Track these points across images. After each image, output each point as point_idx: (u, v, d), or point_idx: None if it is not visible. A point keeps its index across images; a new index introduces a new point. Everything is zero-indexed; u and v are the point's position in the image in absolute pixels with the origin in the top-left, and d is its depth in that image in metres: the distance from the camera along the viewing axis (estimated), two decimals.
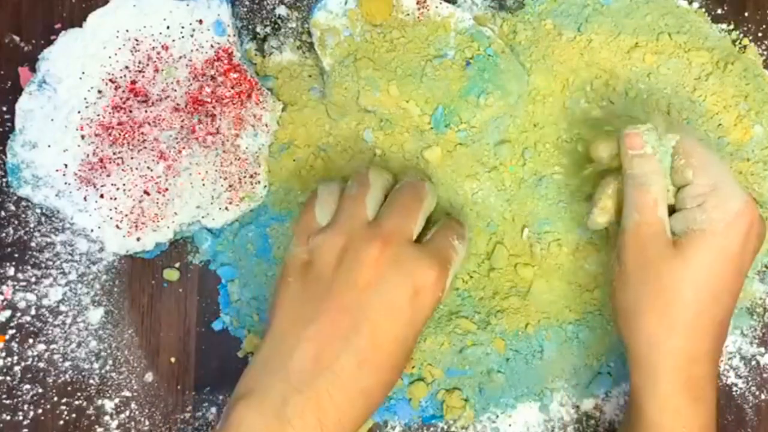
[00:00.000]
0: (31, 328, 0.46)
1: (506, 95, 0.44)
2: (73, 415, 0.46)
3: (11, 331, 0.46)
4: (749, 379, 0.47)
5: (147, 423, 0.46)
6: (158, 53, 0.44)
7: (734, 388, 0.47)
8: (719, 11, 0.48)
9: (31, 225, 0.46)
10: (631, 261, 0.39)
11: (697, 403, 0.38)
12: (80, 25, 0.44)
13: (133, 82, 0.44)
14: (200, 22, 0.44)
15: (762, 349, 0.47)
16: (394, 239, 0.37)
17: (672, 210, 0.40)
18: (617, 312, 0.40)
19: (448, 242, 0.39)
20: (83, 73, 0.44)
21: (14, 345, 0.46)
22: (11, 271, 0.46)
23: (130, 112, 0.44)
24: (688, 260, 0.38)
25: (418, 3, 0.45)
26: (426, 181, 0.41)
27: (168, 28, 0.44)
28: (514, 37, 0.47)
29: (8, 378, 0.46)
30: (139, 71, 0.44)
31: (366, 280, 0.36)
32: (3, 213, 0.46)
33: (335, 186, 0.41)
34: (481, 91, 0.44)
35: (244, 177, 0.45)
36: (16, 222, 0.46)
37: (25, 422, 0.45)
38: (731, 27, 0.48)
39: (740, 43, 0.48)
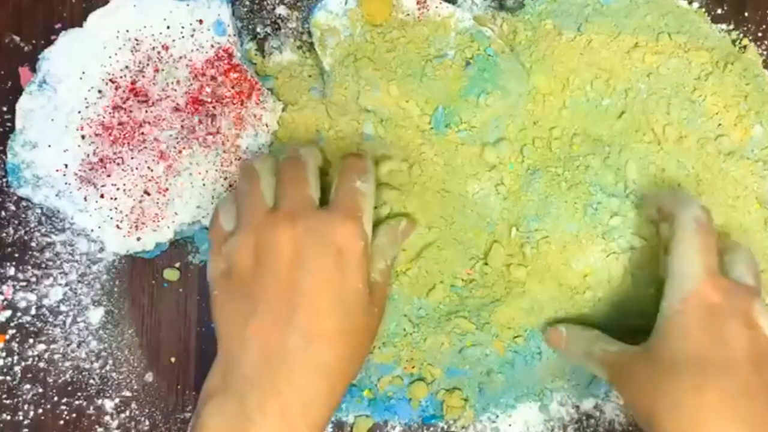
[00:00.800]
0: (32, 328, 0.46)
1: (506, 95, 0.44)
2: (73, 415, 0.46)
3: (11, 331, 0.46)
4: None
5: (147, 423, 0.46)
6: (158, 53, 0.44)
7: None
8: (719, 11, 0.48)
9: (32, 225, 0.46)
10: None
11: None
12: (80, 25, 0.44)
13: (134, 82, 0.44)
14: (200, 22, 0.44)
15: None
16: (297, 212, 0.37)
17: None
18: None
19: (350, 188, 0.39)
20: (83, 73, 0.44)
21: (14, 345, 0.46)
22: (11, 271, 0.46)
23: (131, 112, 0.44)
24: (657, 350, 0.38)
25: (418, 3, 0.45)
26: (300, 146, 0.41)
27: (168, 28, 0.44)
28: (514, 37, 0.47)
29: (8, 378, 0.46)
30: (140, 71, 0.44)
31: (286, 262, 0.36)
32: (3, 213, 0.46)
33: (231, 193, 0.41)
34: (481, 91, 0.44)
35: None
36: (16, 222, 0.46)
37: (25, 422, 0.45)
38: (731, 27, 0.48)
39: (740, 43, 0.48)
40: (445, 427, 0.47)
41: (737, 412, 0.34)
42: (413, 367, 0.46)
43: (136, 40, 0.44)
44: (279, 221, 0.37)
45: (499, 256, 0.46)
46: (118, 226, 0.44)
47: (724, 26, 0.48)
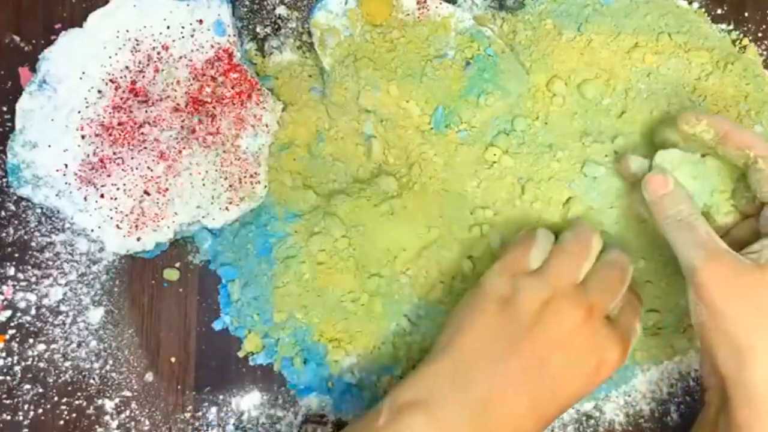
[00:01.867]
0: (32, 328, 0.46)
1: (506, 95, 0.44)
2: (73, 415, 0.46)
3: (11, 331, 0.46)
4: None
5: (147, 423, 0.46)
6: (158, 53, 0.44)
7: None
8: (719, 11, 0.48)
9: (32, 225, 0.46)
10: (718, 298, 0.37)
11: None
12: (80, 25, 0.44)
13: (134, 82, 0.44)
14: (200, 22, 0.44)
15: None
16: (596, 312, 0.38)
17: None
18: (714, 354, 0.38)
19: (632, 324, 0.41)
20: (83, 73, 0.44)
21: (14, 345, 0.46)
22: (11, 271, 0.46)
23: (131, 112, 0.44)
24: None
25: (418, 3, 0.45)
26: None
27: (168, 28, 0.44)
28: (514, 37, 0.47)
29: (8, 378, 0.46)
30: (140, 71, 0.44)
31: (561, 340, 0.37)
32: (3, 213, 0.46)
33: (553, 237, 0.42)
34: (481, 91, 0.44)
35: (244, 177, 0.45)
36: (16, 222, 0.46)
37: (25, 422, 0.45)
38: (731, 27, 0.48)
39: (740, 43, 0.48)
40: None
41: None
42: (413, 367, 0.46)
43: (136, 40, 0.44)
44: (579, 305, 0.38)
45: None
46: (118, 226, 0.44)
47: (724, 26, 0.48)
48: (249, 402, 0.46)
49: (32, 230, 0.46)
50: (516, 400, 0.37)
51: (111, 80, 0.44)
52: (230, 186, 0.45)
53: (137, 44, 0.44)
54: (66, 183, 0.44)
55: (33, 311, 0.46)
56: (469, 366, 0.37)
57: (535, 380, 0.37)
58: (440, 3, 0.45)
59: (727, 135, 0.40)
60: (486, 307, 0.38)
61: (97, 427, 0.46)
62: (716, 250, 0.38)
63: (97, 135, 0.44)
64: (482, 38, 0.45)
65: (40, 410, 0.46)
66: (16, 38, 0.47)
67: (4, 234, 0.46)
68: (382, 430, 0.36)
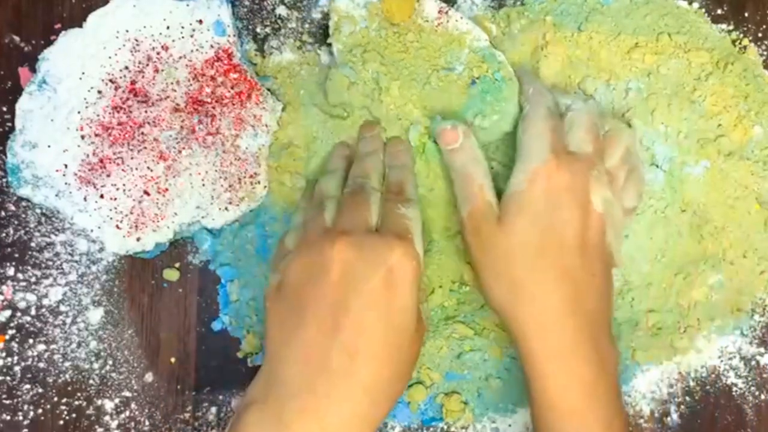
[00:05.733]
0: (31, 328, 0.46)
1: (502, 121, 0.44)
2: (73, 415, 0.46)
3: (11, 331, 0.46)
4: (749, 379, 0.47)
5: (147, 423, 0.46)
6: (158, 53, 0.44)
7: (734, 388, 0.47)
8: (719, 11, 0.48)
9: (31, 225, 0.46)
10: (475, 250, 0.40)
11: (577, 356, 0.38)
12: (80, 25, 0.44)
13: (133, 83, 0.44)
14: (200, 22, 0.44)
15: (762, 349, 0.47)
16: (351, 231, 0.38)
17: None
18: (489, 303, 0.41)
19: (396, 213, 0.40)
20: (83, 73, 0.44)
21: (14, 345, 0.46)
22: (11, 271, 0.46)
23: (130, 112, 0.44)
24: (508, 225, 0.39)
25: (439, 12, 0.45)
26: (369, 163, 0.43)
27: (168, 28, 0.44)
28: (508, 24, 0.47)
29: (8, 378, 0.46)
30: (139, 71, 0.44)
31: (335, 278, 0.37)
32: (3, 213, 0.46)
33: (299, 212, 0.43)
34: (479, 112, 0.44)
35: (244, 177, 0.45)
36: (16, 222, 0.46)
37: (25, 422, 0.45)
38: (731, 27, 0.48)
39: (740, 43, 0.48)
40: (445, 427, 0.47)
41: (561, 297, 0.38)
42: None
43: (136, 40, 0.44)
44: (333, 240, 0.37)
45: None
46: (117, 227, 0.44)
47: (724, 26, 0.48)
48: None
49: (32, 230, 0.46)
50: (327, 360, 0.36)
51: (111, 80, 0.44)
52: (230, 186, 0.45)
53: (137, 44, 0.44)
54: (66, 183, 0.44)
55: (33, 311, 0.46)
56: (272, 358, 0.37)
57: (333, 330, 0.36)
58: (461, 18, 0.45)
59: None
60: (267, 306, 0.39)
61: (96, 427, 0.46)
62: (479, 203, 0.40)
63: (96, 135, 0.44)
64: (493, 61, 0.44)
65: (40, 410, 0.46)
66: (16, 38, 0.47)
67: (4, 234, 0.46)
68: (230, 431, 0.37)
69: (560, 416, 0.38)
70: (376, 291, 0.37)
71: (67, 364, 0.46)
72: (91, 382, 0.46)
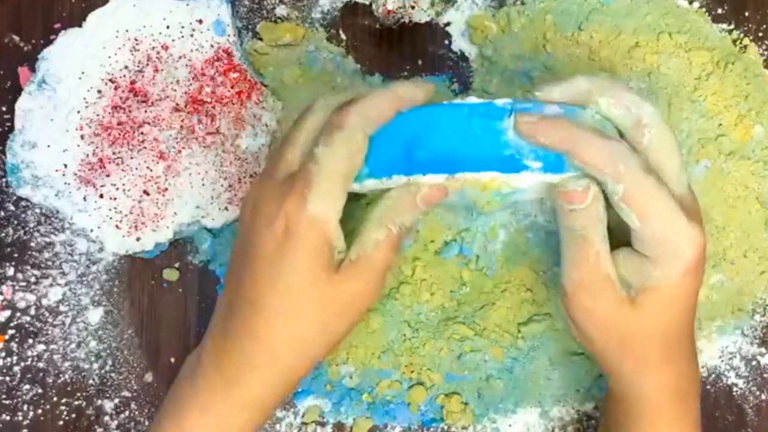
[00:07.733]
0: (31, 328, 0.46)
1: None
2: (73, 416, 0.46)
3: (11, 331, 0.46)
4: (749, 379, 0.47)
5: (147, 423, 0.46)
6: (158, 53, 0.44)
7: (734, 388, 0.47)
8: (719, 11, 0.48)
9: (31, 225, 0.46)
10: (583, 324, 0.36)
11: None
12: (80, 25, 0.44)
13: (133, 82, 0.44)
14: (200, 21, 0.44)
15: (762, 349, 0.47)
16: (269, 171, 0.36)
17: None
18: (600, 363, 0.39)
19: (307, 154, 0.35)
20: (83, 73, 0.44)
21: (14, 345, 0.46)
22: (11, 271, 0.46)
23: (130, 112, 0.44)
24: (647, 317, 0.35)
25: None
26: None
27: (168, 27, 0.44)
28: (508, 23, 0.47)
29: (8, 378, 0.45)
30: (139, 71, 0.44)
31: (246, 218, 0.36)
32: (3, 213, 0.46)
33: None
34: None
35: (244, 177, 0.45)
36: (15, 222, 0.46)
37: (24, 422, 0.45)
38: (732, 27, 0.48)
39: (741, 42, 0.48)
40: (445, 428, 0.47)
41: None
42: (412, 372, 0.46)
43: (136, 39, 0.44)
44: (257, 179, 0.38)
45: (496, 261, 0.46)
46: (117, 226, 0.44)
47: (724, 26, 0.48)
48: None
49: (32, 230, 0.46)
50: (233, 311, 0.36)
51: (110, 80, 0.44)
52: (230, 186, 0.45)
53: (137, 44, 0.44)
54: (65, 183, 0.44)
55: (32, 311, 0.46)
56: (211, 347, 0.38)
57: (239, 281, 0.36)
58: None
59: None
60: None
61: (96, 427, 0.46)
62: (594, 276, 0.35)
63: (96, 135, 0.44)
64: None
65: (40, 410, 0.46)
66: (16, 38, 0.47)
67: (3, 234, 0.46)
68: None
69: None
70: (267, 248, 0.34)
71: (66, 364, 0.46)
72: (90, 382, 0.46)
